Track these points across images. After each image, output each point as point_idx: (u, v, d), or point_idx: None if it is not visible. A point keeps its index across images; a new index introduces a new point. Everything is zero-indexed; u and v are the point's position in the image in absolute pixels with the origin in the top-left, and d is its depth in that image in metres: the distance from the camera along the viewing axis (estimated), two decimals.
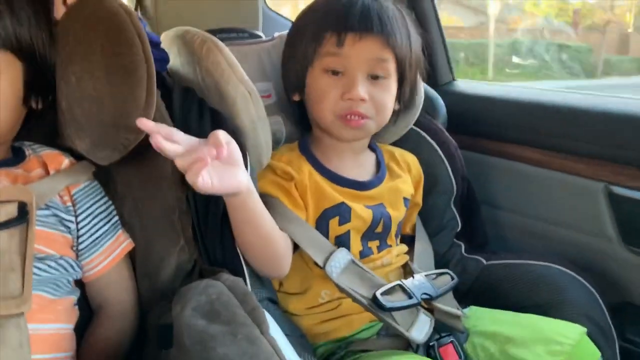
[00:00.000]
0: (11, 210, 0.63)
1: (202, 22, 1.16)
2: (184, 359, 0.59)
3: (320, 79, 0.92)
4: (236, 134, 0.85)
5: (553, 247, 1.14)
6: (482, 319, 0.92)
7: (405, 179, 1.03)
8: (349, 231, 0.93)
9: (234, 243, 0.80)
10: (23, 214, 0.64)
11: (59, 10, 0.75)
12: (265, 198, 0.85)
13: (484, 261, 1.07)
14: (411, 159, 1.07)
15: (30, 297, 0.59)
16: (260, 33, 1.25)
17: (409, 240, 1.06)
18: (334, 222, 0.92)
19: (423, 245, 1.06)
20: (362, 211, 0.93)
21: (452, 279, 0.94)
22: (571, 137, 1.10)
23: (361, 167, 1.00)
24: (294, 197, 0.91)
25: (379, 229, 0.96)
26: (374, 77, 0.91)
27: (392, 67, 0.92)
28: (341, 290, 0.86)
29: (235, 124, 0.87)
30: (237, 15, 1.24)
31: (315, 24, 0.93)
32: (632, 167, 1.01)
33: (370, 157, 1.03)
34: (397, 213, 0.99)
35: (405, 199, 1.01)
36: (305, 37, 0.93)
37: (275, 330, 0.64)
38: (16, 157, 0.74)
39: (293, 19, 1.09)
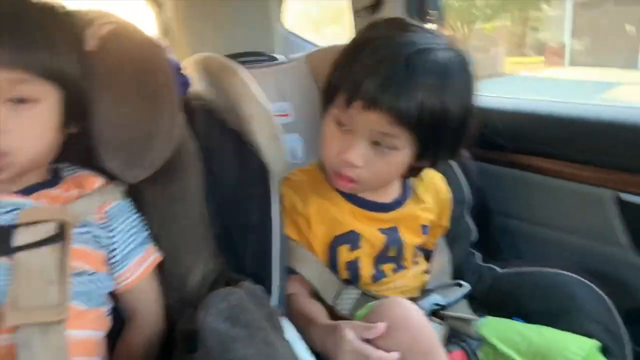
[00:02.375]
0: (51, 229, 0.69)
1: (222, 47, 1.23)
2: None
3: (328, 124, 0.90)
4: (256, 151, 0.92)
5: (566, 255, 1.16)
6: (497, 329, 0.92)
7: (428, 206, 1.01)
8: (358, 258, 0.94)
9: (264, 254, 0.85)
10: (61, 232, 0.69)
11: (92, 43, 0.82)
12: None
13: (498, 269, 1.09)
14: (438, 181, 1.04)
15: (68, 307, 0.64)
16: (278, 56, 1.32)
17: (429, 254, 1.06)
18: (344, 249, 0.93)
19: (442, 262, 1.06)
20: (373, 236, 0.93)
21: (463, 287, 0.97)
22: (581, 147, 1.12)
23: (387, 188, 0.97)
24: (303, 233, 0.92)
25: (392, 253, 0.96)
26: (377, 144, 0.85)
27: (400, 141, 0.85)
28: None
29: (252, 141, 0.92)
30: (256, 39, 1.31)
31: (348, 68, 0.86)
32: None
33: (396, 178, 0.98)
34: (412, 240, 0.98)
35: (423, 226, 1.00)
36: (340, 76, 0.88)
37: (291, 334, 0.69)
38: (54, 178, 0.80)
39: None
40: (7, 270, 0.66)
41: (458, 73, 0.85)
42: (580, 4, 10.48)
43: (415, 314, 0.74)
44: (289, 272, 0.90)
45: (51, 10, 0.76)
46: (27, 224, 0.69)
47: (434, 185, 1.04)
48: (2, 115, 0.68)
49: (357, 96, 0.83)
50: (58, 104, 0.75)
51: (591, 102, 1.19)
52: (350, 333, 0.73)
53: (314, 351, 0.77)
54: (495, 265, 1.11)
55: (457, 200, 1.11)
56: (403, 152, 0.87)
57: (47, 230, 0.69)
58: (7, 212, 0.70)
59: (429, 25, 0.90)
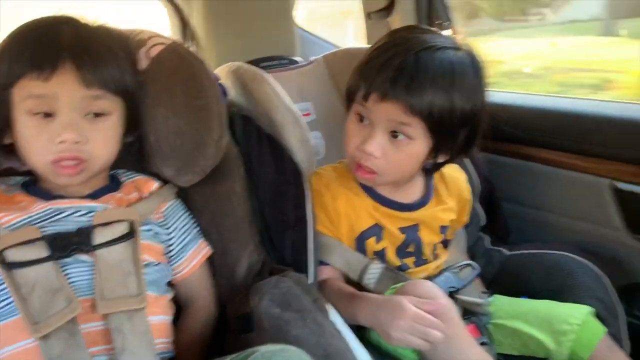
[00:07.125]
0: (123, 228, 0.79)
1: (246, 53, 1.32)
2: (263, 341, 0.70)
3: (350, 121, 0.98)
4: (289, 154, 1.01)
5: (567, 237, 1.26)
6: (504, 306, 1.03)
7: (450, 206, 1.07)
8: (385, 248, 1.02)
9: (300, 246, 0.95)
10: (132, 230, 0.80)
11: (144, 62, 0.91)
12: None
13: (507, 252, 1.19)
14: (461, 179, 1.12)
15: (146, 295, 0.75)
16: (298, 58, 1.40)
17: (448, 243, 1.14)
18: (370, 241, 1.01)
19: (458, 250, 1.15)
20: (394, 232, 1.02)
21: (474, 269, 1.04)
22: (580, 140, 1.22)
23: (409, 188, 1.05)
24: (334, 225, 1.01)
25: (411, 249, 1.04)
26: (394, 135, 0.92)
27: (415, 130, 0.91)
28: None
29: (284, 144, 1.01)
30: (277, 44, 1.39)
31: (365, 67, 0.95)
32: (635, 165, 1.13)
33: (420, 179, 1.06)
34: (430, 239, 1.05)
35: (442, 227, 1.06)
36: (358, 75, 0.96)
37: (334, 315, 0.80)
38: (113, 183, 0.90)
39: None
40: (90, 266, 0.76)
41: (468, 73, 0.91)
42: None
43: (439, 293, 0.85)
44: (320, 263, 1.00)
45: (111, 32, 0.86)
46: (103, 224, 0.79)
47: (456, 186, 1.11)
48: (84, 128, 0.78)
49: (372, 89, 0.91)
50: (122, 116, 0.85)
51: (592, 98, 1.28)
52: (409, 304, 0.82)
53: (351, 325, 0.87)
54: (504, 248, 1.21)
55: None
56: (418, 143, 0.92)
57: (120, 229, 0.79)
58: (84, 214, 0.81)
59: (443, 32, 0.99)
